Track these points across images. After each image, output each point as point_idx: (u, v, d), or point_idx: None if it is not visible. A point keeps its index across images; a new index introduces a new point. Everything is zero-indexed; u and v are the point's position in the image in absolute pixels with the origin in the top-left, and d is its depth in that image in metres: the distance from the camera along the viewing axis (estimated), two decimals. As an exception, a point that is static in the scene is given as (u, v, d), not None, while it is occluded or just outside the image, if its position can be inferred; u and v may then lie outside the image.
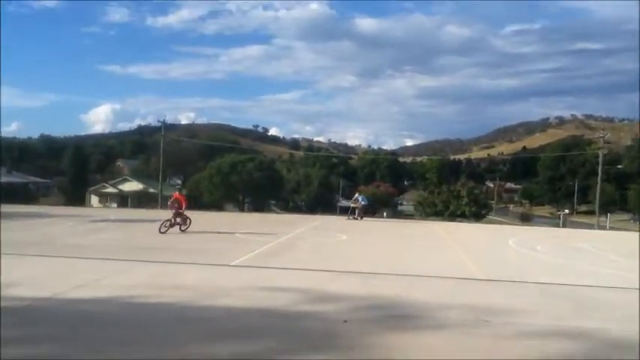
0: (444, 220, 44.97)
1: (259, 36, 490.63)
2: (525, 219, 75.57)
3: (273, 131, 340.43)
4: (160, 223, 18.52)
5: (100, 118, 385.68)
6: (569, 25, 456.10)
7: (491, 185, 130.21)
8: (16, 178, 69.19)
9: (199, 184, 67.73)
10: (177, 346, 6.21)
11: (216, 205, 58.45)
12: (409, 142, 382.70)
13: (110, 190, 66.47)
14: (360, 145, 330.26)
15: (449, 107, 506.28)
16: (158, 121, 61.09)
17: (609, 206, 68.40)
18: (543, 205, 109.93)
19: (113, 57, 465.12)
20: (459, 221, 43.02)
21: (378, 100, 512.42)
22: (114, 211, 36.48)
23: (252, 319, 7.58)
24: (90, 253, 13.37)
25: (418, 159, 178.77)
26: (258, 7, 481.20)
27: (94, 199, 65.87)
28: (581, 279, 12.00)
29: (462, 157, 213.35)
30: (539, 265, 14.90)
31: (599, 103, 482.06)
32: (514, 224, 48.19)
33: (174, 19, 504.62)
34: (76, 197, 61.31)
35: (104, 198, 65.40)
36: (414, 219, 50.19)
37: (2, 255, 12.14)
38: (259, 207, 62.77)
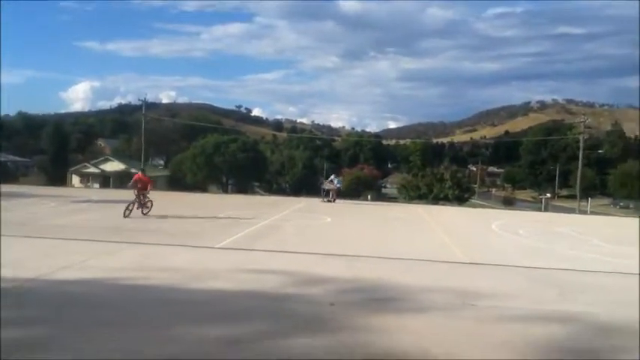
0: (427, 203, 45.25)
1: (241, 14, 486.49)
2: (508, 203, 76.42)
3: (255, 112, 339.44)
4: (124, 207, 17.55)
5: (79, 96, 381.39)
6: (551, 9, 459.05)
7: (474, 169, 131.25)
8: (-6, 157, 68.11)
9: (182, 164, 67.29)
10: (163, 328, 6.18)
11: (200, 187, 58.18)
12: (392, 125, 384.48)
13: (92, 170, 65.70)
14: (343, 127, 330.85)
15: (431, 90, 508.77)
16: (139, 99, 60.49)
17: (590, 191, 69.40)
18: (525, 189, 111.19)
19: (91, 33, 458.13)
20: (442, 204, 43.35)
21: (360, 81, 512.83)
22: (96, 192, 36.10)
23: (238, 302, 7.57)
24: (74, 234, 13.23)
25: (401, 142, 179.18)
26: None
27: (76, 179, 65.11)
28: (564, 263, 12.17)
29: (444, 140, 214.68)
30: (523, 249, 15.06)
31: (580, 88, 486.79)
32: (497, 208, 48.69)
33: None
34: (56, 177, 60.56)
35: (85, 178, 64.66)
36: (397, 202, 50.45)
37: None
38: (243, 189, 62.61)
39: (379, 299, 7.99)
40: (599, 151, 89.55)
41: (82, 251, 10.94)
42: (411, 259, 11.74)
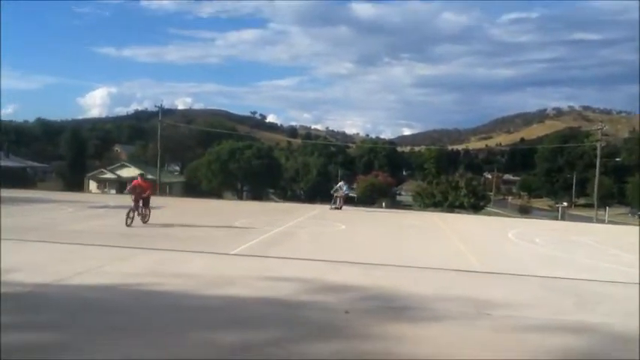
0: (442, 211, 45.01)
1: (255, 20, 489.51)
2: (524, 211, 75.80)
3: (270, 118, 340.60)
4: (125, 215, 16.62)
5: (96, 102, 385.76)
6: (567, 14, 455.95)
7: (490, 176, 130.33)
8: (13, 162, 69.03)
9: (197, 171, 67.67)
10: (178, 335, 6.21)
11: (215, 193, 58.45)
12: (407, 132, 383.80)
13: (108, 175, 66.33)
14: (357, 133, 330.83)
15: (446, 96, 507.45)
16: (155, 106, 60.99)
17: (607, 199, 68.57)
18: (541, 197, 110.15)
19: (108, 39, 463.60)
20: (458, 212, 43.08)
21: (375, 87, 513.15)
22: (113, 197, 36.41)
23: (252, 308, 7.58)
24: (90, 240, 13.35)
25: (416, 149, 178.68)
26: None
27: (93, 185, 65.77)
28: (581, 273, 12.03)
29: (459, 147, 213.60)
30: (539, 258, 14.92)
31: (597, 95, 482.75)
32: (513, 216, 48.34)
33: (169, 0, 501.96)
34: (74, 182, 61.24)
35: (102, 184, 65.29)
36: (412, 209, 50.26)
37: (3, 240, 12.13)
38: (258, 195, 62.77)
39: (394, 307, 7.96)
40: (617, 159, 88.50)
41: (98, 257, 11.03)
42: (427, 268, 11.69)
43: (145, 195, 17.29)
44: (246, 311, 7.41)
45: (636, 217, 71.16)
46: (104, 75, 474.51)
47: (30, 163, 75.52)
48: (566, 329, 7.28)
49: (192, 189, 61.25)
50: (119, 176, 65.85)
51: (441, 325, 7.17)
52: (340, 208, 28.86)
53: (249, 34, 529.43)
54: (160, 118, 59.30)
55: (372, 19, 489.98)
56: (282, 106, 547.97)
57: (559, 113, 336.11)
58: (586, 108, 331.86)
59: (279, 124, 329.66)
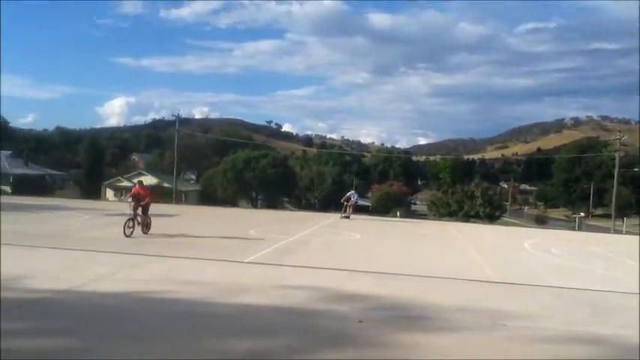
0: (457, 220, 44.74)
1: (272, 30, 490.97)
2: (540, 221, 74.96)
3: (286, 127, 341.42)
4: (124, 223, 15.89)
5: (114, 111, 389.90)
6: (585, 23, 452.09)
7: (506, 186, 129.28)
8: (32, 170, 69.97)
9: (213, 179, 68.02)
10: (191, 342, 6.24)
11: (230, 201, 58.67)
12: (422, 141, 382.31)
13: (125, 183, 66.86)
14: (373, 142, 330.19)
15: (462, 106, 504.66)
16: (172, 115, 61.57)
17: (625, 210, 67.56)
18: (558, 207, 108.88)
19: (126, 49, 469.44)
20: (473, 222, 42.80)
21: (391, 97, 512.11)
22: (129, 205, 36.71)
23: (267, 317, 7.59)
24: (106, 247, 13.48)
25: (431, 158, 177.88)
26: (271, 1, 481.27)
27: (110, 193, 66.41)
28: (597, 284, 11.88)
29: (475, 157, 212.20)
30: (555, 268, 14.77)
31: (615, 105, 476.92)
32: (529, 226, 47.90)
33: (187, 11, 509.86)
34: (91, 190, 61.88)
35: (119, 192, 65.87)
36: (427, 219, 50.02)
37: (20, 247, 12.31)
38: (272, 204, 62.88)
39: (408, 317, 7.93)
40: (635, 169, 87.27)
41: (112, 264, 11.13)
42: (441, 277, 11.62)
43: (143, 203, 16.59)
44: (260, 319, 7.43)
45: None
46: (122, 85, 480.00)
47: (48, 171, 76.46)
48: (580, 340, 7.21)
49: (207, 197, 61.56)
50: (136, 184, 66.46)
51: (456, 335, 7.12)
52: (348, 217, 28.49)
53: (266, 44, 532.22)
54: (177, 127, 59.82)
55: (388, 30, 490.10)
56: (298, 115, 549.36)
57: (577, 123, 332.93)
58: (604, 118, 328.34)
59: (294, 134, 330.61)
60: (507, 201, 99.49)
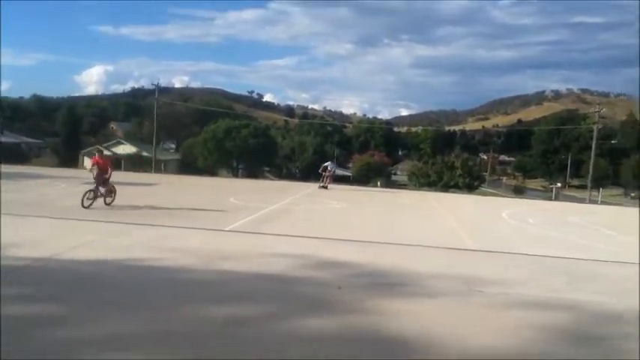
0: (437, 190, 45.12)
1: (255, 0, 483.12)
2: (518, 192, 75.78)
3: (267, 97, 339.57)
4: (82, 194, 14.91)
5: (92, 80, 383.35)
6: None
7: (485, 157, 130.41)
8: (8, 138, 68.62)
9: (193, 148, 67.49)
10: (172, 308, 6.26)
11: (210, 171, 58.35)
12: (404, 112, 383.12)
13: (104, 152, 66.13)
14: (355, 113, 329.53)
15: (445, 77, 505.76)
16: (152, 84, 60.56)
17: (602, 181, 68.70)
18: (536, 178, 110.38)
19: (105, 17, 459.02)
20: (452, 192, 43.22)
21: (373, 68, 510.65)
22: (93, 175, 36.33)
23: (247, 284, 7.63)
24: (85, 215, 13.36)
25: (413, 129, 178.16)
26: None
27: (87, 162, 65.46)
28: (573, 252, 12.11)
29: (456, 128, 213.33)
30: (532, 237, 15.03)
31: (596, 78, 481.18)
32: (507, 196, 48.44)
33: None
34: (69, 159, 60.98)
35: (97, 161, 65.07)
36: (407, 189, 50.37)
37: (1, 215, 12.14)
38: (253, 173, 62.67)
39: (387, 284, 8.02)
40: (613, 142, 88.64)
41: (93, 232, 11.05)
42: (420, 245, 11.75)
43: (107, 176, 15.73)
44: (240, 286, 7.46)
45: (629, 197, 71.63)
46: (101, 53, 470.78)
47: (25, 139, 75.10)
48: (557, 306, 7.37)
49: (187, 167, 61.08)
50: (114, 153, 65.61)
51: (434, 301, 7.24)
52: (326, 187, 28.16)
53: (249, 14, 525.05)
54: (156, 96, 58.88)
55: (372, 0, 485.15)
56: (280, 85, 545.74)
57: (557, 95, 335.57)
58: (584, 91, 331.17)
59: (276, 104, 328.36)
60: (486, 172, 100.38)
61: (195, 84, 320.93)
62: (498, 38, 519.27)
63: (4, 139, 66.13)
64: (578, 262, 11.00)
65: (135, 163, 57.66)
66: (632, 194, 74.75)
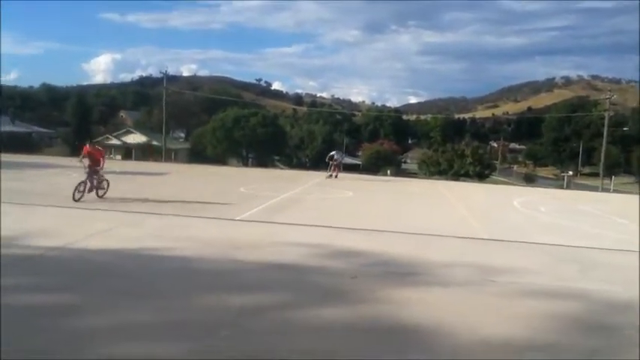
0: (447, 179, 45.01)
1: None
2: (529, 180, 75.46)
3: (275, 85, 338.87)
4: (74, 187, 14.23)
5: (100, 68, 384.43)
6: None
7: (496, 145, 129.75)
8: (19, 128, 69.00)
9: (202, 137, 67.59)
10: (185, 298, 6.30)
11: (220, 160, 58.47)
12: (413, 100, 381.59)
13: (114, 142, 66.39)
14: (363, 101, 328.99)
15: (453, 64, 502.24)
16: (160, 72, 60.62)
17: (613, 168, 68.19)
18: (547, 166, 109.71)
19: (112, 5, 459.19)
20: (463, 181, 43.09)
21: (381, 55, 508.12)
22: (118, 163, 36.52)
23: (260, 273, 7.66)
24: (97, 205, 13.46)
25: (422, 117, 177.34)
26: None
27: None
28: (585, 241, 12.06)
29: (466, 116, 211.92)
30: (544, 226, 14.96)
31: (607, 64, 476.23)
32: (518, 185, 48.33)
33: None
34: (80, 148, 61.31)
35: (108, 150, 65.39)
36: (417, 177, 50.26)
37: (11, 204, 12.26)
38: (263, 162, 62.75)
39: (399, 273, 8.03)
40: (625, 129, 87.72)
41: (106, 221, 11.14)
42: (432, 235, 11.74)
43: (99, 167, 15.06)
44: (253, 276, 7.49)
45: (641, 186, 70.99)
46: (109, 41, 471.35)
47: (35, 128, 75.43)
48: (569, 295, 7.35)
49: (197, 155, 61.26)
50: (124, 142, 65.93)
51: (446, 291, 7.24)
52: (334, 176, 27.61)
53: (255, 1, 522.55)
54: (164, 85, 58.98)
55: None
56: (288, 73, 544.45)
57: (568, 82, 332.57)
58: (595, 77, 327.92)
59: (284, 92, 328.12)
60: (497, 160, 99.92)
61: (203, 72, 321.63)
62: (507, 24, 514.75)
63: (15, 129, 66.54)
64: (590, 251, 10.95)
65: (145, 152, 57.96)
66: (644, 182, 74.11)
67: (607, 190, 42.13)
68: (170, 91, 65.55)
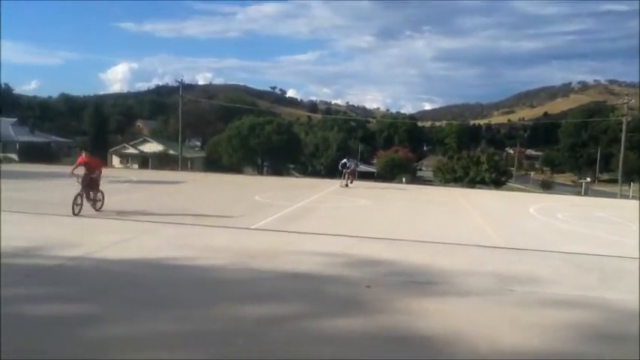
0: (463, 186, 44.76)
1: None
2: (546, 187, 74.78)
3: (290, 93, 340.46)
4: (72, 200, 13.43)
5: (117, 77, 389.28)
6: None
7: (512, 151, 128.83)
8: (38, 138, 69.93)
9: (218, 146, 68.01)
10: (201, 307, 6.33)
11: (235, 168, 58.76)
12: (427, 106, 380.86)
13: (131, 150, 67.05)
14: (378, 108, 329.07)
15: (468, 70, 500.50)
16: (176, 81, 61.14)
17: (632, 175, 67.29)
18: (564, 172, 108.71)
19: (128, 14, 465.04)
20: (479, 188, 42.81)
21: (396, 62, 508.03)
22: (135, 172, 36.84)
23: (276, 282, 7.67)
24: (115, 214, 13.58)
25: (437, 124, 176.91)
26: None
27: (116, 160, 66.55)
28: (603, 249, 11.92)
29: (481, 122, 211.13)
30: (561, 233, 14.80)
31: (624, 68, 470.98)
32: (535, 192, 47.91)
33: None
34: (98, 157, 61.95)
35: (125, 159, 66.05)
36: (433, 185, 50.04)
37: (30, 214, 12.42)
38: (278, 170, 62.95)
39: (416, 282, 8.00)
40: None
41: (123, 230, 11.23)
42: (448, 243, 11.67)
43: (94, 176, 14.19)
44: (269, 285, 7.50)
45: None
46: (125, 50, 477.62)
47: (54, 138, 76.36)
48: (588, 305, 7.26)
49: (212, 164, 61.68)
50: (141, 151, 66.54)
51: (464, 300, 7.19)
52: (347, 185, 27.08)
53: (270, 7, 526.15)
54: (180, 94, 59.48)
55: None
56: (302, 80, 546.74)
57: (584, 87, 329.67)
58: (612, 81, 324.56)
59: (299, 99, 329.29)
60: (513, 166, 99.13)
61: (219, 81, 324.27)
62: (522, 28, 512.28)
63: (34, 139, 67.45)
64: (609, 259, 10.81)
65: (162, 161, 58.42)
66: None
67: (626, 197, 41.60)
68: (186, 99, 66.07)
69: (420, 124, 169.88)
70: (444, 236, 12.51)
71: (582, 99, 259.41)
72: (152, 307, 6.24)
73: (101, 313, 5.98)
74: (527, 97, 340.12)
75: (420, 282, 8.01)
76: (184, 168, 51.47)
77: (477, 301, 7.19)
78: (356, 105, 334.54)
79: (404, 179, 49.23)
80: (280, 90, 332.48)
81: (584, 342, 5.78)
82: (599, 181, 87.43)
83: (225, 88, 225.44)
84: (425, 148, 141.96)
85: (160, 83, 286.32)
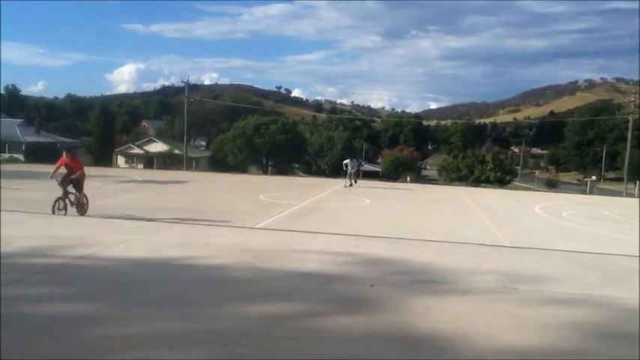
0: (468, 185, 44.68)
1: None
2: (551, 185, 74.54)
3: (295, 93, 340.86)
4: (53, 203, 13.18)
5: (124, 78, 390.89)
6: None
7: (517, 150, 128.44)
8: (44, 138, 70.29)
9: (223, 145, 68.19)
10: (204, 306, 6.35)
11: (240, 168, 58.88)
12: (433, 105, 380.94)
13: (136, 150, 67.31)
14: (383, 107, 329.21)
15: (474, 69, 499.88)
16: (182, 81, 61.41)
17: (638, 173, 67.08)
18: (570, 171, 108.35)
19: (136, 15, 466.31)
20: (484, 187, 42.74)
21: (401, 61, 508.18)
22: (140, 172, 36.98)
23: (280, 281, 7.68)
24: (120, 213, 13.64)
25: (442, 122, 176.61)
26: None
27: (121, 160, 66.84)
28: (608, 247, 11.90)
29: (487, 120, 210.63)
30: (566, 232, 14.79)
31: (631, 66, 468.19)
32: (540, 190, 47.77)
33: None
34: (103, 158, 62.27)
35: (130, 159, 66.30)
36: (438, 184, 49.98)
37: (37, 214, 12.49)
38: (283, 170, 62.99)
39: (420, 281, 8.00)
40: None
41: (127, 230, 11.28)
42: (452, 242, 11.66)
43: (74, 176, 13.59)
44: (273, 284, 7.52)
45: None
46: (132, 51, 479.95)
47: (60, 138, 76.74)
48: (593, 303, 7.24)
49: (218, 164, 61.87)
50: (147, 151, 66.77)
51: (467, 299, 7.18)
52: (350, 185, 26.87)
53: (276, 8, 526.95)
54: (186, 94, 59.67)
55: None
56: (308, 80, 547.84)
57: (591, 85, 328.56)
58: (619, 79, 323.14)
59: (304, 99, 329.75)
60: (518, 165, 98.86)
61: (224, 81, 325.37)
62: (529, 27, 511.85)
63: (41, 139, 67.80)
64: (614, 258, 10.78)
65: (167, 161, 58.58)
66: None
67: (631, 195, 41.41)
68: (191, 99, 66.30)
69: (425, 123, 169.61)
70: (448, 235, 12.51)
71: (589, 97, 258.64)
72: (157, 307, 6.27)
73: (107, 312, 6.01)
74: (533, 96, 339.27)
75: (424, 281, 8.02)
76: (189, 168, 51.61)
77: (481, 299, 7.19)
78: (361, 104, 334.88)
79: (408, 178, 49.15)
80: (286, 90, 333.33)
81: (588, 340, 5.78)
82: (604, 179, 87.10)
83: (231, 88, 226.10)
84: (430, 147, 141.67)
85: (166, 84, 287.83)
